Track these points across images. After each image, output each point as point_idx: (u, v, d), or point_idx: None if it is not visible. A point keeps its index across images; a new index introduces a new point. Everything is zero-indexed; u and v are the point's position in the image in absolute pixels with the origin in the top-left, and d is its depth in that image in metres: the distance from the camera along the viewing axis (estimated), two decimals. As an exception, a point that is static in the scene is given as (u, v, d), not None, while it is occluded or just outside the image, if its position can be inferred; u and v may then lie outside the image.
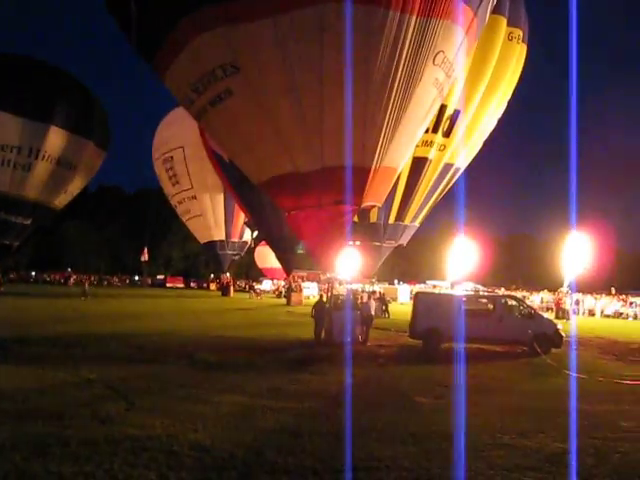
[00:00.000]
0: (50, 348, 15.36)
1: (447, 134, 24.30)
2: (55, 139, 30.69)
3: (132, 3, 15.36)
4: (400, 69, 14.90)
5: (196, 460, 6.87)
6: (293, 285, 47.47)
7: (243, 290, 63.59)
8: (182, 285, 77.44)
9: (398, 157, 17.25)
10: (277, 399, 10.55)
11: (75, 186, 34.62)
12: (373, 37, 14.28)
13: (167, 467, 6.58)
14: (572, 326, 29.49)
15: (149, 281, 78.97)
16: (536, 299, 46.10)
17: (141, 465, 6.62)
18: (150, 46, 16.46)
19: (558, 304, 38.01)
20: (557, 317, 33.63)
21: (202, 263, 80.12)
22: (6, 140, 29.69)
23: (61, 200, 34.29)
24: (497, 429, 8.79)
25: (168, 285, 76.55)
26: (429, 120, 18.25)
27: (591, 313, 43.23)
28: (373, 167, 16.16)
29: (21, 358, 13.72)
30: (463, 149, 25.62)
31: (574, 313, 38.61)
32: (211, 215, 44.43)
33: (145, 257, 72.41)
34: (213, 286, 69.77)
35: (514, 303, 19.74)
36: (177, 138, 41.92)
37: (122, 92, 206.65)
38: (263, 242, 48.79)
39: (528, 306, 20.73)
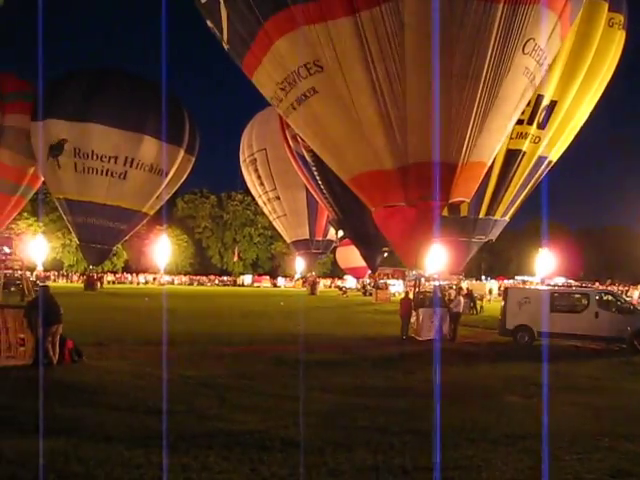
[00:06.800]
0: (144, 346, 16.04)
1: (542, 126, 23.23)
2: (148, 148, 32.37)
3: (222, 7, 15.87)
4: (487, 60, 14.41)
5: (287, 456, 6.96)
6: (379, 282, 47.36)
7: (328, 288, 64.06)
8: (269, 284, 79.04)
9: (487, 151, 16.72)
10: (365, 396, 10.56)
11: (166, 191, 36.22)
12: (456, 28, 13.92)
13: (259, 461, 6.71)
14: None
15: (237, 281, 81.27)
16: (634, 294, 43.82)
17: (235, 459, 6.79)
18: (240, 48, 16.95)
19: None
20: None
21: (288, 262, 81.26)
22: (104, 151, 31.63)
23: (153, 205, 35.97)
24: (595, 431, 8.38)
25: (255, 285, 78.38)
26: (520, 111, 17.55)
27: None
28: (460, 162, 15.77)
29: (119, 356, 14.43)
30: (557, 141, 24.50)
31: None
32: (295, 215, 45.00)
33: (236, 257, 74.41)
34: (299, 284, 70.87)
35: (610, 298, 18.86)
36: (260, 140, 42.83)
37: (210, 98, 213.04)
38: (344, 242, 48.91)
39: (626, 301, 19.71)
